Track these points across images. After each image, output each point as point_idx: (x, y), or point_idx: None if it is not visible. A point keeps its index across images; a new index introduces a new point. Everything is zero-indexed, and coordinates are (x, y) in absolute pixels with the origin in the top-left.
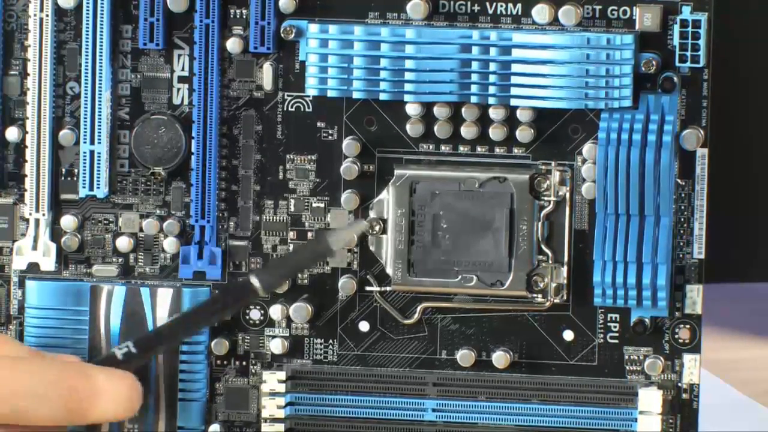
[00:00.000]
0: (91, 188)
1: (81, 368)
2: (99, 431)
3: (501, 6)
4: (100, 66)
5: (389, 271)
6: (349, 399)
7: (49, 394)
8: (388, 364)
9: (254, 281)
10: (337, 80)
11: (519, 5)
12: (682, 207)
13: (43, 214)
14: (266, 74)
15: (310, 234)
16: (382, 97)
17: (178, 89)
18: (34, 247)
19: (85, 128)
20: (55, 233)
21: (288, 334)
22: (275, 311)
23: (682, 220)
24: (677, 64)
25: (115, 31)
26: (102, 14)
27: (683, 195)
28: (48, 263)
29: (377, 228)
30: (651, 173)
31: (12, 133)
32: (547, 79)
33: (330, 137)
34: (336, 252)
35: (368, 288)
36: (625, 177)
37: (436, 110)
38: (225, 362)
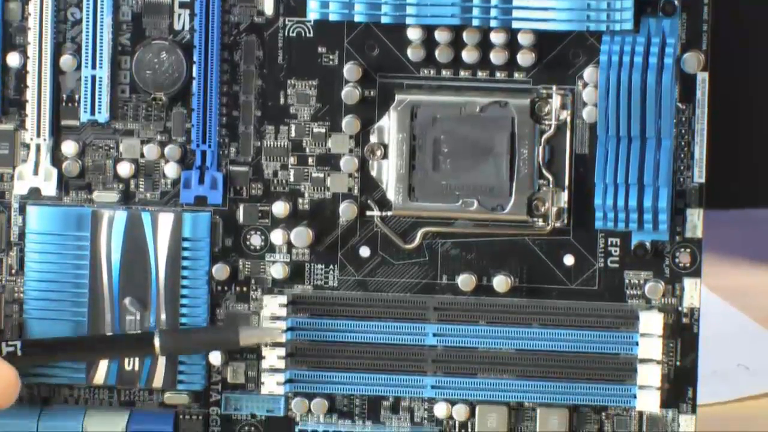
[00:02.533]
0: (93, 113)
1: None
2: None
3: None
4: None
5: (390, 195)
6: (350, 324)
7: None
8: (388, 290)
9: (156, 340)
10: (338, 4)
11: None
12: (683, 131)
13: (44, 140)
14: None
15: (310, 159)
16: (384, 20)
17: (179, 15)
18: (35, 173)
19: (87, 53)
20: (56, 159)
21: (289, 260)
22: (276, 236)
23: (683, 144)
24: None
25: None
26: None
27: (684, 119)
28: (49, 188)
29: (378, 153)
30: (652, 96)
31: (13, 59)
32: (549, 1)
33: (331, 62)
34: (240, 346)
35: (369, 213)
36: (627, 100)
37: (437, 34)
38: (226, 288)
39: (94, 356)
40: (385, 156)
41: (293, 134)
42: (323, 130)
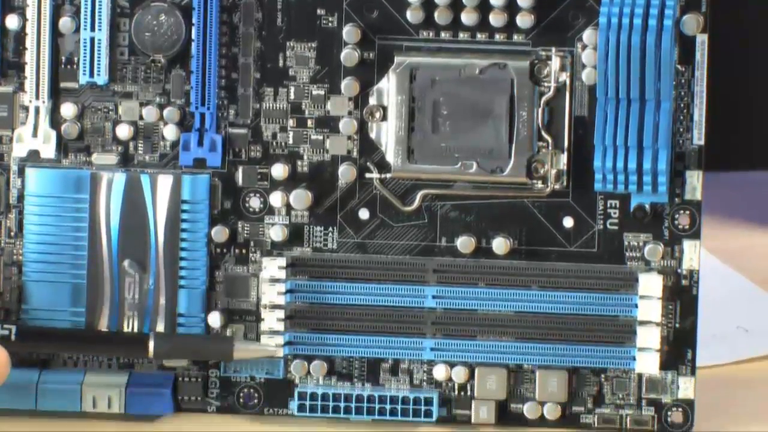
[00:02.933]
0: (92, 75)
1: None
2: None
3: None
4: None
5: (389, 158)
6: (349, 286)
7: None
8: (387, 252)
9: (150, 343)
10: None
11: None
12: (682, 93)
13: (43, 102)
14: None
15: (309, 121)
16: None
17: None
18: (34, 135)
19: (86, 15)
20: (55, 121)
21: (288, 222)
22: (275, 199)
23: (682, 106)
24: None
25: None
26: None
27: (683, 81)
28: (48, 151)
29: (377, 115)
30: (651, 58)
31: (12, 21)
32: None
33: (330, 24)
34: (233, 360)
35: (368, 175)
36: (626, 62)
37: None
38: (225, 250)
39: (87, 351)
40: (384, 118)
41: (292, 96)
42: (322, 93)
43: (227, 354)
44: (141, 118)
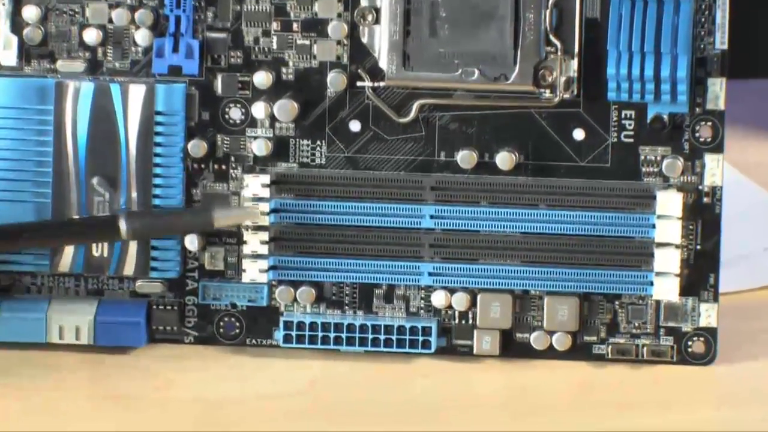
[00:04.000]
0: None
1: None
2: None
3: None
4: None
5: (383, 64)
6: (339, 205)
7: None
8: (381, 167)
9: (122, 222)
10: None
11: None
12: None
13: (3, 4)
14: None
15: (295, 24)
16: None
17: None
18: None
19: None
20: (17, 25)
21: (272, 135)
22: (258, 109)
23: (703, 7)
24: None
25: None
26: None
27: None
28: (9, 58)
29: (369, 18)
30: None
31: None
32: None
33: None
34: (214, 228)
35: (360, 83)
36: None
37: None
38: (202, 166)
39: (54, 242)
40: (377, 21)
41: None
42: None
43: (207, 224)
44: (110, 21)
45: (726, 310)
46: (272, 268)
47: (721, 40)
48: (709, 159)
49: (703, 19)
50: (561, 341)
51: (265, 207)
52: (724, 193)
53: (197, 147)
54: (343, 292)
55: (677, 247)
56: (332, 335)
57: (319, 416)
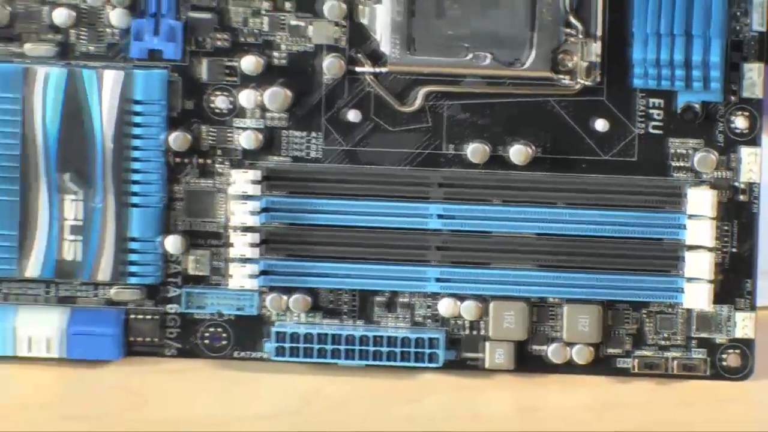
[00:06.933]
0: None
1: None
2: None
3: None
4: None
5: (385, 48)
6: (336, 204)
7: None
8: (383, 162)
9: None
10: None
11: None
12: None
13: None
14: None
15: (288, 4)
16: None
17: None
18: None
19: None
20: None
21: (262, 126)
22: (246, 98)
23: None
24: None
25: None
26: None
27: None
28: None
29: None
30: None
31: None
32: None
33: None
34: None
35: (359, 69)
36: None
37: None
38: (185, 160)
39: None
40: (378, 0)
41: None
42: None
43: None
44: (84, 0)
45: (764, 320)
46: (262, 273)
47: (759, 22)
48: (746, 153)
49: None
50: (582, 354)
51: (254, 205)
52: (762, 190)
53: (179, 139)
54: (341, 299)
55: (710, 250)
56: (329, 347)
57: None
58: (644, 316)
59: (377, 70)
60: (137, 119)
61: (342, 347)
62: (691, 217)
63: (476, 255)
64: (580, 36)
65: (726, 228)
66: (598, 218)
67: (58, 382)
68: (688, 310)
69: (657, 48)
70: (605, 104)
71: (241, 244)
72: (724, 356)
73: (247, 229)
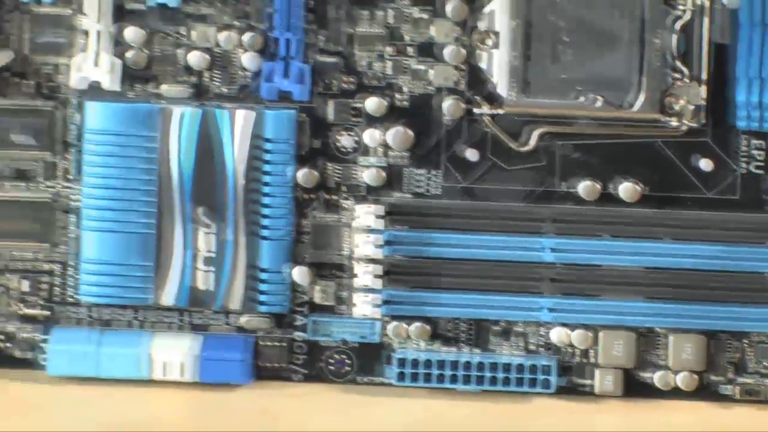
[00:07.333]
0: None
1: None
2: None
3: None
4: None
5: (501, 91)
6: (455, 238)
7: None
8: (499, 198)
9: None
10: None
11: None
12: None
13: (105, 26)
14: None
15: (410, 48)
16: None
17: None
18: (96, 64)
19: None
20: (119, 48)
21: (385, 164)
22: (370, 137)
23: None
24: None
25: None
26: None
27: None
28: (111, 82)
29: (488, 42)
30: None
31: None
32: None
33: None
34: None
35: (477, 111)
36: None
37: None
38: (312, 196)
39: None
40: (495, 45)
41: (390, 20)
42: (424, 16)
43: None
44: (217, 44)
45: None
46: (385, 302)
47: None
48: None
49: None
50: (686, 381)
51: (377, 239)
52: None
53: (307, 176)
54: (458, 328)
55: None
56: (447, 373)
57: None
58: (746, 345)
59: (494, 111)
60: (267, 156)
61: (460, 373)
62: None
63: (587, 286)
64: (687, 80)
65: None
66: (702, 252)
67: (192, 404)
68: None
69: (760, 91)
70: (709, 145)
71: (365, 276)
72: None
73: (370, 261)
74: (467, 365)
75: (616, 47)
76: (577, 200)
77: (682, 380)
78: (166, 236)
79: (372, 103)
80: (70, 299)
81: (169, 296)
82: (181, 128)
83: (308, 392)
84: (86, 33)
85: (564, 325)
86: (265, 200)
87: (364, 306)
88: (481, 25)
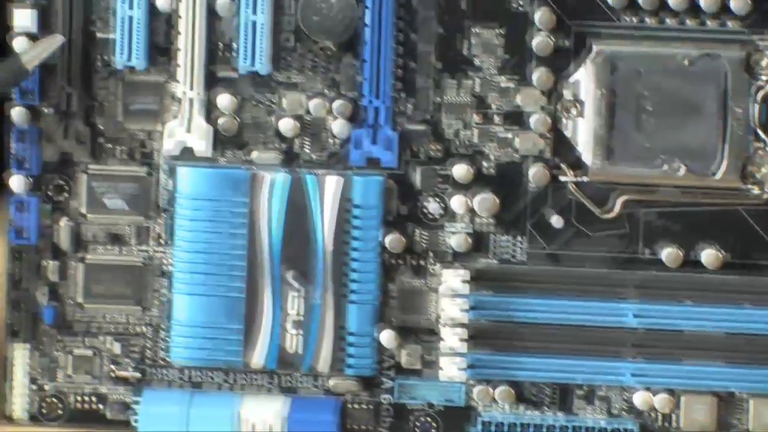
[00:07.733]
0: (252, 63)
1: None
2: None
3: None
4: None
5: (586, 158)
6: (539, 303)
7: None
8: (583, 264)
9: None
10: None
11: None
12: None
13: (198, 93)
14: None
15: (496, 117)
16: None
17: None
18: (188, 130)
19: None
20: (211, 115)
21: (471, 230)
22: (457, 203)
23: None
24: None
25: None
26: None
27: None
28: (202, 148)
29: (573, 111)
30: None
31: (163, 2)
32: None
33: (520, 7)
34: (32, 71)
35: (562, 178)
36: None
37: None
38: (400, 261)
39: None
40: (580, 114)
41: (477, 89)
42: (511, 85)
43: (20, 69)
44: (307, 111)
45: None
46: (470, 366)
47: None
48: None
49: None
50: None
51: (463, 303)
52: None
53: (395, 241)
54: (542, 392)
55: None
56: None
57: None
58: None
59: (579, 178)
60: (355, 222)
61: None
62: None
63: (669, 351)
64: None
65: None
66: None
67: None
68: None
69: None
70: None
71: (451, 339)
72: None
73: (456, 325)
74: (551, 429)
75: (699, 116)
76: (660, 266)
77: None
78: (255, 299)
79: (459, 170)
80: (162, 361)
81: (258, 358)
82: (272, 194)
83: None
84: (179, 100)
85: (647, 389)
86: (354, 265)
87: (450, 369)
88: (567, 94)
